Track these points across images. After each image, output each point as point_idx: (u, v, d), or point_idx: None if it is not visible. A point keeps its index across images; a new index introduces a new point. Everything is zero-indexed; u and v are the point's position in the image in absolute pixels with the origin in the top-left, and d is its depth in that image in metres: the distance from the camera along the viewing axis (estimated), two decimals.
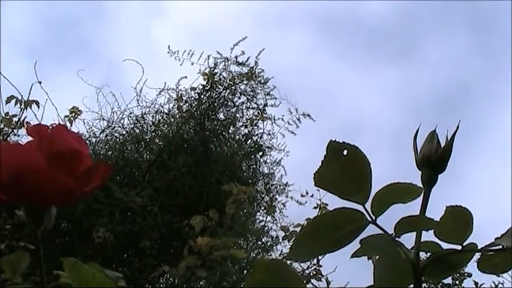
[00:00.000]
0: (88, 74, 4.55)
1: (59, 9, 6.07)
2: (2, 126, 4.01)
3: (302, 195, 4.28)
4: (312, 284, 3.72)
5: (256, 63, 4.48)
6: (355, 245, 0.56)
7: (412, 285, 0.56)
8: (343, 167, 0.51)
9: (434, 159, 0.58)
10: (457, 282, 4.67)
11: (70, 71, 5.88)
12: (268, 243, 4.44)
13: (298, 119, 4.52)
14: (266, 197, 4.57)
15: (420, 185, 0.57)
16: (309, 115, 4.52)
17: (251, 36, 4.51)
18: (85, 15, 6.28)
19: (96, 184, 0.47)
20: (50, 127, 0.51)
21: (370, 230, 0.55)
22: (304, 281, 3.61)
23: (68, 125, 4.34)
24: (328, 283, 3.76)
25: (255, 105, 4.58)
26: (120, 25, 6.91)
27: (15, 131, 4.07)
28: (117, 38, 6.65)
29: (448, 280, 4.60)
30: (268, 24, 7.08)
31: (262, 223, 4.56)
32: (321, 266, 3.77)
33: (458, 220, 0.56)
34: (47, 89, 4.00)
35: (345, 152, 0.51)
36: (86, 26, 6.60)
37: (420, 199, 0.57)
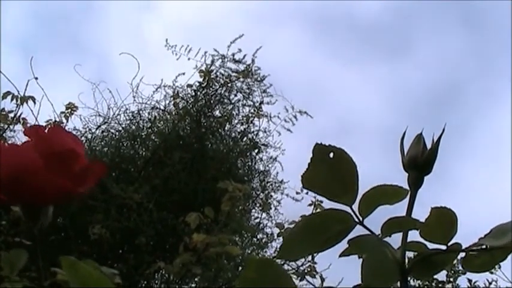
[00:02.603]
0: (79, 69, 4.55)
1: (49, 3, 6.06)
2: None
3: (297, 193, 4.31)
4: (307, 280, 3.75)
5: (253, 61, 4.50)
6: (345, 243, 0.58)
7: (398, 284, 0.58)
8: (329, 169, 0.52)
9: (420, 161, 0.59)
10: (451, 279, 4.69)
11: (61, 66, 5.88)
12: (263, 240, 4.46)
13: (295, 117, 4.54)
14: (261, 194, 4.58)
15: (407, 186, 0.59)
16: (305, 112, 4.54)
17: (244, 33, 4.52)
18: (76, 10, 6.27)
19: (91, 184, 0.48)
20: (47, 126, 0.52)
21: (358, 231, 0.57)
22: (299, 278, 3.63)
23: (64, 121, 4.35)
24: (323, 280, 3.79)
25: (251, 103, 4.60)
26: (111, 20, 6.90)
27: (11, 126, 4.08)
28: (107, 33, 6.64)
29: (442, 277, 4.63)
30: (261, 22, 7.08)
31: (257, 220, 4.58)
32: (315, 263, 3.80)
33: (443, 221, 0.57)
34: (38, 83, 3.99)
35: (331, 155, 0.52)
36: (77, 21, 6.58)
37: (407, 200, 0.59)
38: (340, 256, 0.58)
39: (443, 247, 0.58)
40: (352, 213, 0.56)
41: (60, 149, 0.48)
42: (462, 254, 0.59)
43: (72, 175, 0.47)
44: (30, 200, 0.48)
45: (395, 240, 0.58)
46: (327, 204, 0.56)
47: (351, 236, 0.57)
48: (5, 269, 0.56)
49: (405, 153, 0.61)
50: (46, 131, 0.51)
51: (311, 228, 0.56)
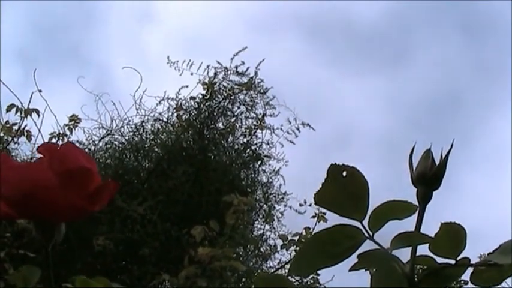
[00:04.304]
0: (81, 80, 4.56)
1: (48, 14, 6.07)
2: (2, 134, 4.03)
3: (300, 205, 4.31)
4: None
5: (256, 73, 4.51)
6: (353, 257, 0.59)
7: None
8: (342, 187, 0.53)
9: (428, 176, 0.60)
10: None
11: (61, 77, 5.89)
12: (266, 252, 4.46)
13: (298, 129, 4.54)
14: (264, 205, 4.58)
15: (415, 201, 0.60)
16: (308, 124, 4.55)
17: (243, 43, 4.53)
18: (75, 20, 6.28)
19: (105, 202, 0.48)
20: (52, 139, 0.52)
21: (368, 246, 0.58)
22: None
23: (68, 133, 4.35)
24: None
25: (254, 115, 4.61)
26: (111, 31, 6.91)
27: (15, 139, 4.09)
28: (108, 44, 6.64)
29: None
30: (259, 30, 7.10)
31: (261, 232, 4.58)
32: (318, 275, 3.79)
33: (452, 236, 0.58)
34: (38, 95, 4.00)
35: (344, 174, 0.53)
36: (76, 31, 6.59)
37: (416, 215, 0.59)
38: (350, 270, 0.59)
39: (452, 261, 0.58)
40: (362, 228, 0.56)
41: (74, 167, 0.48)
42: (470, 268, 0.60)
43: (86, 193, 0.47)
44: (44, 216, 0.49)
45: (404, 254, 0.59)
46: (331, 217, 0.57)
47: (360, 251, 0.58)
48: (19, 285, 0.56)
49: (414, 168, 0.61)
50: (58, 148, 0.51)
51: (321, 244, 0.56)
